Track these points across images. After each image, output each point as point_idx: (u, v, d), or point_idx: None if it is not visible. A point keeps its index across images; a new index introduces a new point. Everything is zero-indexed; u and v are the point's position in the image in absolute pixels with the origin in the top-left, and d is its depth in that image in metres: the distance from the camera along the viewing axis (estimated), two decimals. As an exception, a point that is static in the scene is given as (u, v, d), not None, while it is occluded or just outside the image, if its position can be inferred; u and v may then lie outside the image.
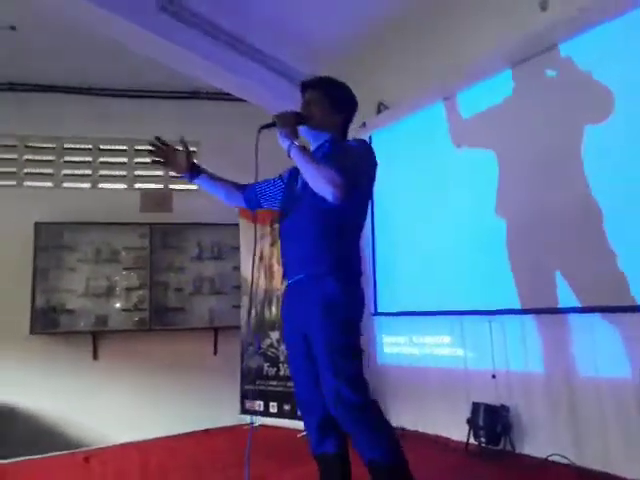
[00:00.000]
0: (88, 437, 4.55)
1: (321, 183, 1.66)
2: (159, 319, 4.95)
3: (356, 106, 2.04)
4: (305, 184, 1.79)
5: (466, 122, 3.49)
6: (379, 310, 4.09)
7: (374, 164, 1.87)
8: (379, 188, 3.71)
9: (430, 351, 3.69)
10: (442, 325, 3.58)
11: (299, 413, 3.87)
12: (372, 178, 1.89)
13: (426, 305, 3.64)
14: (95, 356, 4.84)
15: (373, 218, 4.20)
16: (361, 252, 1.92)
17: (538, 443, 2.95)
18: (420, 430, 3.65)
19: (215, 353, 5.08)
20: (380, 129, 4.13)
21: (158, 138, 2.01)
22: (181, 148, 2.05)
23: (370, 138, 4.14)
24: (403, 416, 3.80)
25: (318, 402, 1.79)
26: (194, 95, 5.28)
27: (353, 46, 4.09)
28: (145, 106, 5.20)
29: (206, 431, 4.08)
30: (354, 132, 4.00)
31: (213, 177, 2.10)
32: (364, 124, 4.10)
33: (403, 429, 3.69)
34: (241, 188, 2.12)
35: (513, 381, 3.12)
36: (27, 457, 3.46)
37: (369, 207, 1.98)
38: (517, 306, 3.07)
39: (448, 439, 3.41)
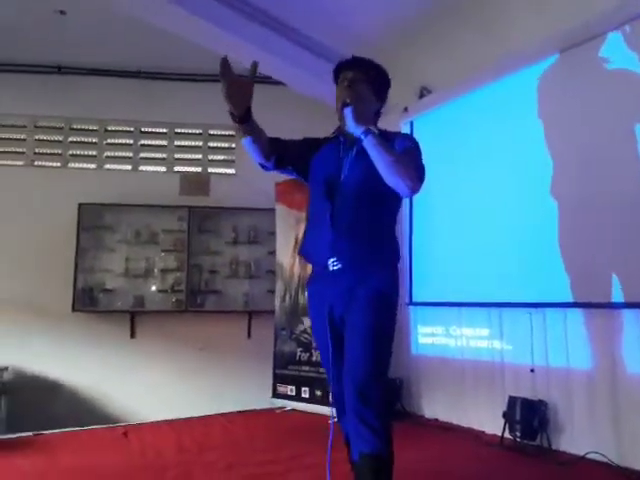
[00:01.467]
0: (125, 413, 4.70)
1: (399, 175, 1.59)
2: (195, 301, 5.04)
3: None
4: (354, 168, 1.74)
5: (515, 106, 3.38)
6: (415, 300, 4.04)
7: None
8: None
9: (467, 342, 3.63)
10: (480, 316, 3.51)
11: (331, 400, 3.89)
12: None
13: (463, 296, 3.58)
14: (133, 334, 4.98)
15: (412, 205, 4.12)
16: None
17: (576, 440, 2.88)
18: (454, 422, 3.61)
19: (249, 337, 5.14)
20: (422, 114, 4.04)
21: (226, 59, 1.63)
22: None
23: (412, 123, 4.06)
24: (437, 407, 3.77)
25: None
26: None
27: (394, 30, 3.99)
28: (186, 89, 5.24)
29: (239, 413, 4.14)
30: (396, 117, 3.97)
31: (257, 131, 1.77)
32: (406, 109, 4.01)
33: (437, 420, 3.66)
34: (273, 151, 1.84)
35: (552, 376, 3.05)
36: (70, 429, 3.61)
37: None
38: (559, 299, 2.98)
39: (482, 432, 3.36)
